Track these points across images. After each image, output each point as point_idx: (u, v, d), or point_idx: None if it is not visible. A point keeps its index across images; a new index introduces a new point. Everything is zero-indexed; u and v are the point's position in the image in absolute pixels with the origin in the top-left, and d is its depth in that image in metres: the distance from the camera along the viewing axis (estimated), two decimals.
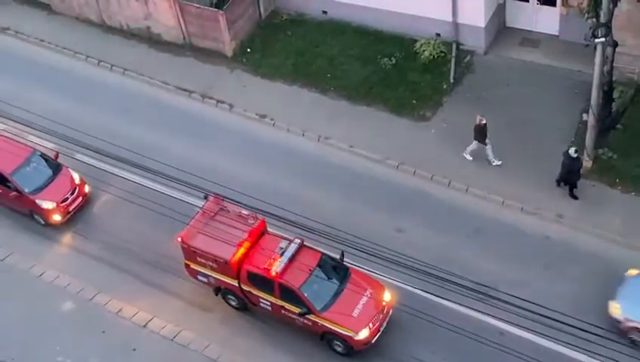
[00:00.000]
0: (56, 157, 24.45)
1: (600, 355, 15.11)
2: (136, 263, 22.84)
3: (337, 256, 20.22)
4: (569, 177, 22.48)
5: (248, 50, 29.37)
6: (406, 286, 18.66)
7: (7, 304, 22.45)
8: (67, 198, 23.88)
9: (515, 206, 22.93)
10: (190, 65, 29.45)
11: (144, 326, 21.47)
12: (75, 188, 24.11)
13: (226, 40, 29.15)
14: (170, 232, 21.79)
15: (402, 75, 27.48)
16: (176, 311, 21.69)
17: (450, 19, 27.42)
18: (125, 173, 20.79)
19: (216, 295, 21.48)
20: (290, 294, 19.63)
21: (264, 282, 19.90)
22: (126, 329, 21.44)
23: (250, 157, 25.38)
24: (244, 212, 20.35)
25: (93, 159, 20.91)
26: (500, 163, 23.91)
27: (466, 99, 26.45)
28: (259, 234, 20.62)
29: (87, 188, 24.48)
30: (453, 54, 27.58)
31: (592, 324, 14.62)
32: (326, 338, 19.96)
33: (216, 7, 28.81)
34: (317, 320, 19.56)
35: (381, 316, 19.82)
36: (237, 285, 20.53)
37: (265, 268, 19.70)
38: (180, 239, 20.77)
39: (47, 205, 23.65)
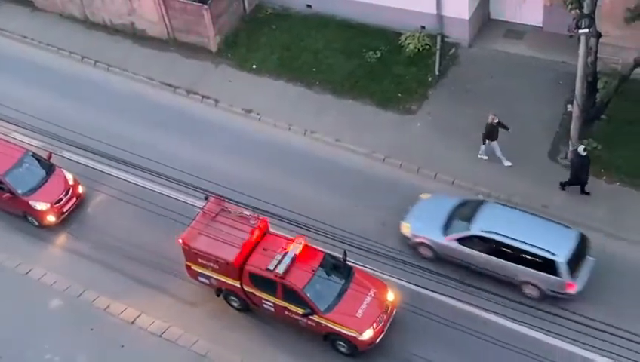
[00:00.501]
0: (49, 157, 24.20)
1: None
2: (124, 261, 22.75)
3: (340, 256, 19.90)
4: (579, 176, 22.21)
5: (233, 44, 29.34)
6: (406, 284, 18.64)
7: None
8: (61, 199, 23.66)
9: (501, 197, 23.00)
10: (175, 61, 29.37)
11: (132, 322, 21.41)
12: (69, 189, 23.91)
13: (210, 35, 29.07)
14: (160, 229, 21.82)
15: (387, 68, 27.52)
16: (165, 307, 21.63)
17: (434, 11, 27.47)
18: (112, 170, 20.55)
19: (218, 296, 21.23)
20: (293, 295, 19.39)
21: (266, 283, 19.67)
22: (114, 326, 21.37)
23: (237, 152, 25.34)
24: (246, 212, 20.11)
25: (84, 158, 20.59)
26: (510, 164, 23.71)
27: (451, 91, 26.53)
28: (263, 235, 20.40)
29: (80, 189, 24.27)
30: (438, 47, 27.63)
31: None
32: (329, 338, 19.74)
33: (200, 2, 28.71)
34: (321, 321, 19.34)
35: (385, 316, 19.62)
36: (239, 286, 20.35)
37: (267, 269, 19.51)
38: (180, 240, 20.49)
39: (41, 206, 23.43)
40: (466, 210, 21.30)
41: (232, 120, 26.79)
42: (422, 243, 21.48)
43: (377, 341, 19.53)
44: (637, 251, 21.23)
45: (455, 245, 20.75)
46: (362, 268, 19.80)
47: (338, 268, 20.05)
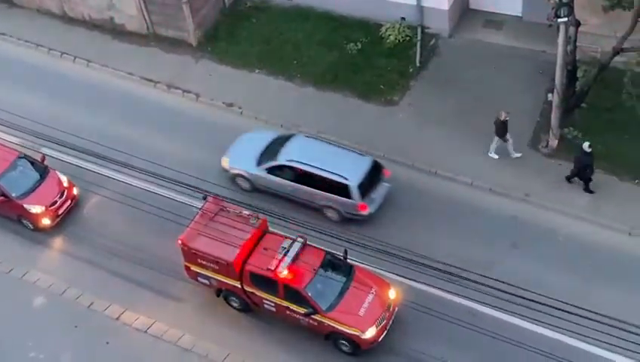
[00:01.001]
0: (43, 160, 23.80)
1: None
2: (106, 257, 22.69)
3: (340, 254, 19.79)
4: (583, 172, 22.23)
5: (213, 38, 29.25)
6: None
7: None
8: (56, 201, 23.37)
9: (484, 186, 23.14)
10: (155, 55, 29.20)
11: (117, 318, 21.34)
12: (64, 191, 23.61)
13: (190, 29, 28.92)
14: (145, 225, 21.72)
15: (368, 59, 27.52)
16: (149, 302, 21.56)
17: (414, 2, 27.51)
18: (92, 166, 20.49)
19: (218, 296, 21.04)
20: (294, 294, 19.26)
21: (267, 283, 19.51)
22: (98, 323, 21.29)
23: (218, 147, 25.19)
24: (245, 212, 19.97)
25: (69, 156, 20.45)
26: (519, 155, 23.71)
27: (432, 82, 26.58)
28: (262, 234, 20.24)
29: (75, 191, 23.98)
30: (419, 38, 27.67)
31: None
32: (331, 337, 19.63)
33: None
34: (323, 320, 19.23)
35: (387, 314, 19.56)
36: (239, 287, 20.20)
37: (268, 269, 19.34)
38: (180, 241, 20.28)
39: (36, 209, 23.12)
40: (278, 143, 23.40)
41: (213, 114, 26.69)
42: (239, 175, 23.66)
43: (380, 339, 19.46)
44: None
45: (265, 174, 22.96)
46: (363, 266, 19.64)
47: (339, 266, 19.93)
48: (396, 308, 19.95)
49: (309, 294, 19.16)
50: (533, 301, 14.64)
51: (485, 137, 23.93)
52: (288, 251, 19.54)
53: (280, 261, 19.33)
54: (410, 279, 17.58)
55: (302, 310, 19.34)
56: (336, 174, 21.91)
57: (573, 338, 17.42)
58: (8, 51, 29.97)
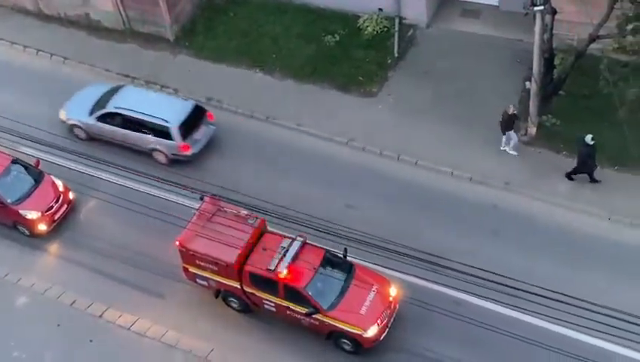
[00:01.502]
0: (37, 164, 23.38)
1: None
2: (89, 256, 22.58)
3: (340, 253, 19.70)
4: (586, 165, 22.19)
5: (191, 32, 29.10)
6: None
7: None
8: (52, 207, 23.03)
9: (464, 176, 23.23)
10: (132, 51, 29.01)
11: (100, 316, 21.26)
12: (60, 196, 23.26)
13: (167, 24, 28.76)
14: (127, 222, 21.67)
15: (346, 51, 27.52)
16: (131, 299, 21.48)
17: None
18: (73, 165, 20.40)
19: (217, 298, 20.86)
20: (295, 294, 19.10)
21: (267, 283, 19.34)
22: (81, 321, 21.19)
23: None
24: (243, 212, 19.81)
25: (51, 155, 20.36)
26: (516, 154, 23.62)
27: (410, 72, 26.63)
28: (261, 234, 20.07)
29: (71, 195, 23.62)
30: (396, 29, 27.67)
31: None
32: (333, 337, 19.49)
33: None
34: (324, 320, 19.06)
35: (389, 312, 19.44)
36: (239, 287, 20.04)
37: (268, 269, 19.19)
38: (177, 243, 20.09)
39: (32, 215, 22.77)
40: (109, 94, 25.22)
41: None
42: (75, 126, 25.36)
43: (382, 337, 19.37)
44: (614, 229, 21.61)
45: (96, 122, 24.80)
46: (363, 263, 19.47)
47: (339, 265, 19.79)
48: (397, 306, 19.84)
49: (310, 293, 18.99)
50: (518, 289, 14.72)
51: (464, 128, 24.01)
52: (288, 251, 19.38)
53: (279, 261, 19.19)
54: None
55: (303, 310, 19.15)
56: (158, 118, 23.81)
57: (556, 325, 17.56)
58: None
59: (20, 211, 22.74)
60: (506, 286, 14.72)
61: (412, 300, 18.56)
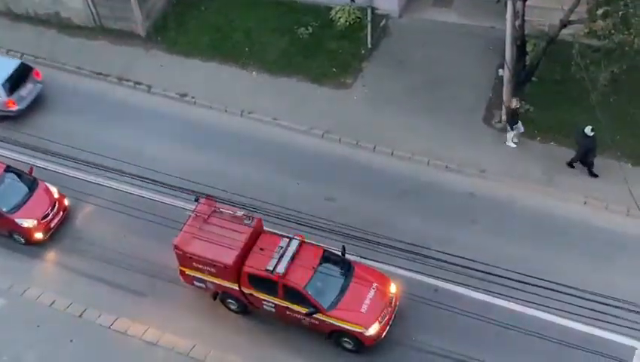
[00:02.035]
0: (31, 172, 22.96)
1: None
2: (66, 255, 22.44)
3: (339, 251, 19.50)
4: (586, 156, 22.21)
5: (162, 28, 28.91)
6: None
7: None
8: (48, 214, 22.60)
9: (440, 165, 23.32)
10: (104, 48, 28.78)
11: (79, 316, 21.09)
12: (55, 203, 22.83)
13: (138, 20, 28.55)
14: (107, 221, 21.45)
15: (320, 43, 27.50)
16: (111, 298, 21.32)
17: None
18: (58, 167, 20.15)
19: (214, 299, 20.58)
20: (294, 294, 18.87)
21: (266, 284, 19.11)
22: (61, 322, 21.02)
23: (175, 137, 25.03)
24: (239, 212, 19.55)
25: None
26: (514, 146, 23.56)
27: (384, 63, 26.67)
28: (258, 234, 19.82)
29: (66, 202, 23.22)
30: (369, 19, 27.63)
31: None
32: (334, 336, 19.28)
33: None
34: (325, 319, 18.84)
35: (389, 309, 19.26)
36: (237, 289, 19.78)
37: (266, 270, 18.93)
38: (174, 245, 19.77)
39: (28, 223, 22.36)
40: None
41: (167, 105, 26.41)
42: None
43: (383, 335, 19.23)
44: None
45: None
46: (362, 261, 19.36)
47: (338, 263, 19.59)
48: (397, 303, 19.72)
49: (310, 293, 18.81)
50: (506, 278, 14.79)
51: (439, 116, 24.09)
52: (286, 250, 19.21)
53: (278, 261, 19.02)
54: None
55: (303, 310, 18.94)
56: None
57: (536, 310, 17.77)
58: None
59: (16, 220, 22.33)
60: (501, 276, 14.75)
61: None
